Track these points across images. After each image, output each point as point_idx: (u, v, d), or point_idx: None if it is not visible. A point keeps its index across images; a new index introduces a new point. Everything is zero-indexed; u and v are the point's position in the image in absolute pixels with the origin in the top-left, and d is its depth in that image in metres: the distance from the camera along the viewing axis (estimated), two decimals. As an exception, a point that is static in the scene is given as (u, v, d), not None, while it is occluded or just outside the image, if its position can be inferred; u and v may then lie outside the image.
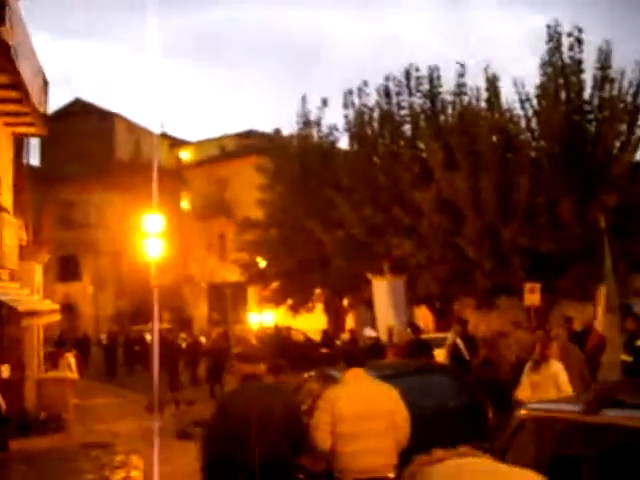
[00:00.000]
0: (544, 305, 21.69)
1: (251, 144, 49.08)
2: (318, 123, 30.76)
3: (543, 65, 21.79)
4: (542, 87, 21.36)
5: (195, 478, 6.15)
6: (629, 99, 21.15)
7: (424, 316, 29.30)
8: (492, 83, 21.73)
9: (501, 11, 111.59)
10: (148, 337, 30.83)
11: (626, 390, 4.35)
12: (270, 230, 31.39)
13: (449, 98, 24.09)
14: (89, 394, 20.27)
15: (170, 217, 27.44)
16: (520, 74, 22.12)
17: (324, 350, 25.46)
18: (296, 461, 5.77)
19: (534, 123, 21.81)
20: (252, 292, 34.77)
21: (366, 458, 5.65)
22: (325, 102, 30.43)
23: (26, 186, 17.89)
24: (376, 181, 24.19)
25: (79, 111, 58.64)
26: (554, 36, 21.45)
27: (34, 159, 50.09)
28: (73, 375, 16.32)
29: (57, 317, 17.73)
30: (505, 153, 21.43)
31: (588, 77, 21.39)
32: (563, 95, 21.24)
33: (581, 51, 21.17)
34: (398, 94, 24.83)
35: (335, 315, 31.87)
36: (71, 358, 16.97)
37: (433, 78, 24.70)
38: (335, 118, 31.68)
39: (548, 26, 21.44)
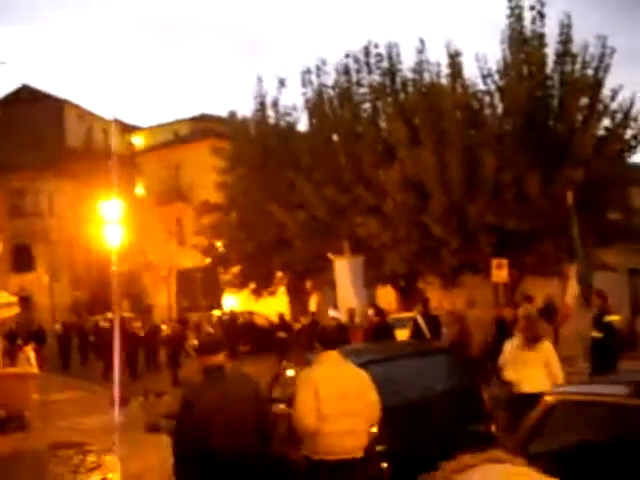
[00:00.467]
0: (511, 282, 21.64)
1: (206, 127, 48.36)
2: (275, 104, 30.16)
3: (504, 40, 21.58)
4: (504, 62, 21.11)
5: (170, 473, 5.81)
6: (590, 72, 21.04)
7: (387, 296, 29.16)
8: (454, 58, 21.37)
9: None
10: (102, 324, 30.57)
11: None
12: (230, 213, 30.84)
13: (409, 75, 23.78)
14: (49, 388, 19.47)
15: (125, 204, 26.66)
16: (481, 50, 21.99)
17: (281, 334, 25.29)
18: (278, 451, 5.72)
19: (497, 99, 21.62)
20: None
21: (345, 438, 5.72)
22: (282, 82, 29.85)
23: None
24: (337, 161, 23.79)
25: (27, 98, 57.12)
26: (515, 10, 21.23)
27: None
28: (33, 370, 15.57)
29: (16, 310, 17.03)
30: (469, 129, 21.19)
31: (550, 52, 21.26)
32: (525, 70, 21.03)
33: (543, 25, 20.99)
34: (358, 71, 24.40)
35: (298, 298, 31.51)
36: (30, 352, 16.20)
37: (392, 55, 24.33)
38: (292, 99, 31.03)
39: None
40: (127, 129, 61.58)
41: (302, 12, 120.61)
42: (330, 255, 22.18)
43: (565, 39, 21.13)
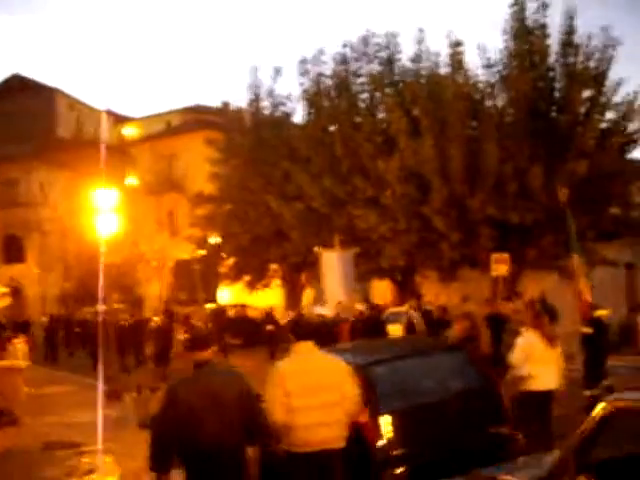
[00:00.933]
0: (511, 276, 21.30)
1: (199, 118, 47.90)
2: (271, 94, 29.66)
3: (506, 30, 21.16)
4: (507, 52, 20.71)
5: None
6: (593, 64, 20.66)
7: (382, 289, 28.82)
8: (455, 48, 20.94)
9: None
10: (87, 316, 30.50)
11: None
12: (224, 205, 30.35)
13: (409, 65, 23.38)
14: (38, 382, 18.99)
15: (117, 194, 26.18)
16: (482, 41, 21.60)
17: (269, 327, 25.04)
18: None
19: (498, 89, 21.23)
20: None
21: (319, 430, 5.65)
22: (278, 71, 29.36)
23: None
24: (334, 151, 23.38)
25: (18, 87, 56.51)
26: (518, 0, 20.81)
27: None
28: (22, 363, 15.04)
29: (7, 301, 16.57)
30: (471, 120, 20.80)
31: (553, 42, 20.86)
32: (528, 60, 20.63)
33: (545, 15, 20.58)
34: (356, 60, 23.96)
35: (293, 290, 31.12)
36: (19, 344, 15.66)
37: (391, 45, 23.91)
38: (288, 90, 30.52)
39: (513, -13, 20.74)
40: (119, 119, 61.07)
41: (299, 2, 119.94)
42: (316, 249, 21.89)
43: (569, 30, 20.72)
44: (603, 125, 20.68)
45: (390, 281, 26.65)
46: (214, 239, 30.62)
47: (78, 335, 30.89)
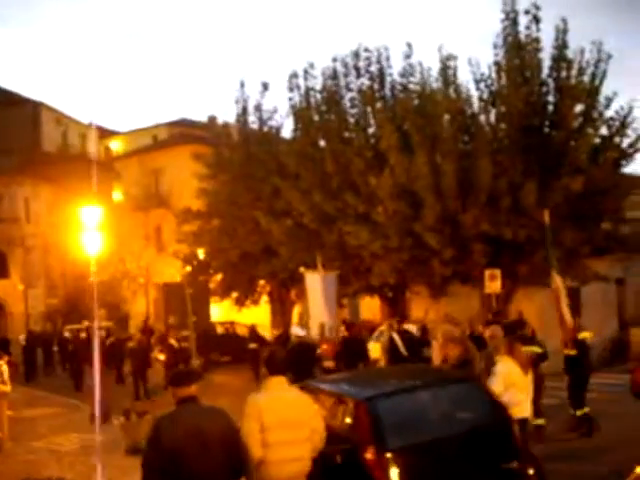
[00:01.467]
0: (504, 293, 21.07)
1: (185, 132, 47.56)
2: (258, 108, 29.37)
3: (497, 45, 20.98)
4: (499, 67, 20.51)
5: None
6: (586, 79, 20.50)
7: (372, 306, 28.51)
8: (446, 62, 20.70)
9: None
10: (67, 334, 30.36)
11: None
12: (212, 220, 29.96)
13: (399, 79, 23.15)
14: (20, 404, 18.49)
15: (103, 210, 25.77)
16: (472, 55, 21.38)
17: (252, 346, 24.81)
18: None
19: (490, 104, 21.00)
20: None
21: (289, 466, 5.69)
22: (266, 86, 29.09)
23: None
24: (324, 167, 23.07)
25: (2, 100, 56.00)
26: (510, 14, 20.64)
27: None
28: (6, 387, 14.44)
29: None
30: (463, 135, 20.57)
31: (545, 56, 20.71)
32: (521, 75, 20.43)
33: (538, 29, 20.41)
34: (345, 75, 23.68)
35: (282, 307, 30.75)
36: (4, 365, 15.07)
37: (381, 59, 23.67)
38: (275, 105, 30.17)
39: (504, 3, 20.58)
40: (105, 134, 60.62)
41: (285, 17, 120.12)
42: (301, 269, 21.82)
43: (561, 44, 20.57)
44: (596, 140, 20.48)
45: (380, 298, 26.35)
46: (202, 255, 30.17)
47: (57, 354, 30.59)
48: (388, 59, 23.57)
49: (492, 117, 20.88)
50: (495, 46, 21.00)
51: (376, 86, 23.46)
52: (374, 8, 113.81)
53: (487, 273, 19.94)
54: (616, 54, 20.59)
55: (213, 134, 32.58)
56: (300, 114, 24.95)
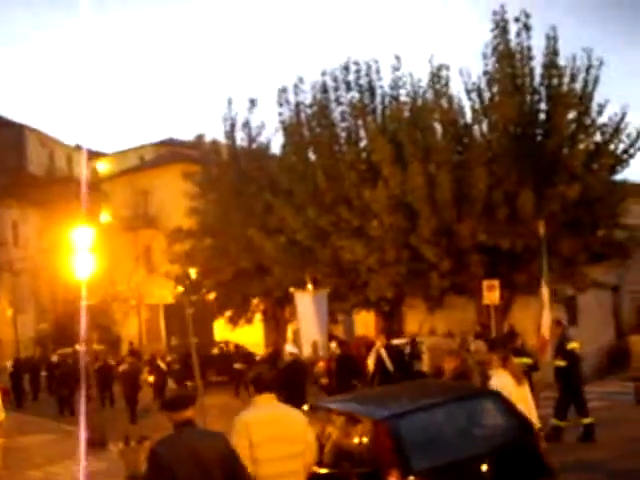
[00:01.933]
0: (502, 303, 20.80)
1: (173, 152, 47.30)
2: (247, 125, 29.15)
3: (487, 54, 20.86)
4: (491, 76, 20.37)
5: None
6: (578, 86, 20.39)
7: (365, 322, 28.22)
8: (438, 73, 20.54)
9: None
10: (54, 359, 30.30)
11: None
12: (203, 239, 29.62)
13: (390, 92, 23.00)
14: (12, 431, 17.98)
15: (93, 232, 25.48)
16: (460, 66, 21.26)
17: (237, 365, 24.67)
18: None
19: (482, 114, 20.84)
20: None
21: None
22: (253, 102, 28.90)
23: None
24: (316, 182, 22.84)
25: (-13, 123, 55.59)
26: (500, 23, 20.52)
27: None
28: (1, 414, 13.98)
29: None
30: (457, 146, 20.39)
31: (536, 64, 20.59)
32: (512, 84, 20.29)
33: (529, 37, 20.30)
34: (336, 89, 23.50)
35: (276, 326, 30.40)
36: None
37: (371, 72, 23.52)
38: (263, 121, 29.98)
39: (494, 12, 20.46)
40: (91, 155, 60.20)
41: (271, 33, 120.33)
42: (291, 289, 21.77)
43: (551, 52, 20.45)
44: (590, 147, 20.34)
45: (375, 312, 26.06)
46: (194, 274, 29.81)
47: (45, 379, 30.29)
48: (378, 72, 23.46)
49: (485, 127, 20.71)
50: (485, 56, 20.89)
51: (366, 99, 23.32)
52: (363, 21, 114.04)
53: (485, 284, 19.67)
54: (611, 60, 20.51)
55: (201, 152, 32.37)
56: (290, 129, 24.73)
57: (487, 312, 20.36)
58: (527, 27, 20.27)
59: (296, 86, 24.28)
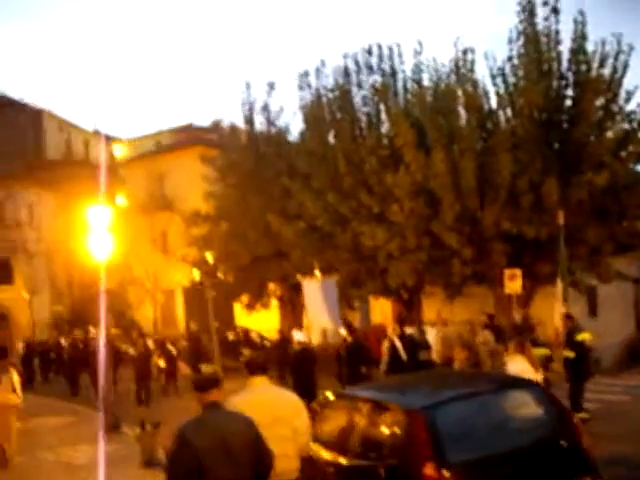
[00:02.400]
0: (524, 293, 20.41)
1: (190, 137, 47.06)
2: (266, 108, 28.81)
3: (513, 39, 20.38)
4: (519, 61, 19.88)
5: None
6: (607, 72, 19.89)
7: (382, 309, 27.91)
8: (464, 57, 20.08)
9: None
10: (63, 342, 30.83)
11: None
12: (221, 224, 29.35)
13: (411, 76, 22.57)
14: (27, 413, 17.85)
15: (111, 213, 25.28)
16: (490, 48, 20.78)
17: (246, 352, 24.04)
18: None
19: (507, 100, 20.39)
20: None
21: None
22: (272, 86, 28.55)
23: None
24: (336, 166, 22.48)
25: (5, 107, 55.56)
26: (527, 6, 20.02)
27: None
28: (15, 398, 13.73)
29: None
30: (481, 132, 19.96)
31: (564, 49, 20.09)
32: (538, 70, 19.80)
33: (557, 21, 19.79)
34: (358, 72, 23.09)
35: (293, 311, 30.10)
36: (15, 375, 14.37)
37: (393, 56, 23.10)
38: (282, 105, 29.65)
39: (522, -7, 19.93)
40: (108, 140, 60.09)
41: (289, 17, 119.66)
42: (299, 277, 21.68)
43: (580, 36, 19.94)
44: (619, 134, 19.84)
45: (394, 300, 25.73)
46: (211, 259, 29.60)
47: (54, 361, 30.71)
48: (400, 56, 23.02)
49: (509, 113, 20.25)
50: (510, 40, 20.43)
51: (389, 83, 22.91)
52: (385, 4, 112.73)
53: (507, 273, 19.29)
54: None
55: (220, 136, 32.09)
56: (311, 113, 24.38)
57: (509, 301, 19.99)
58: (555, 10, 19.77)
59: (318, 70, 23.92)
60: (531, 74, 19.56)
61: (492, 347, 15.64)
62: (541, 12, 19.96)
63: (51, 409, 20.70)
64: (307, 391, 14.18)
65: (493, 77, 20.44)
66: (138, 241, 38.86)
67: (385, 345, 16.65)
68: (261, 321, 30.32)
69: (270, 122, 28.76)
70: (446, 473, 5.55)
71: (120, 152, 59.09)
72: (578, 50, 20.01)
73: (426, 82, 21.98)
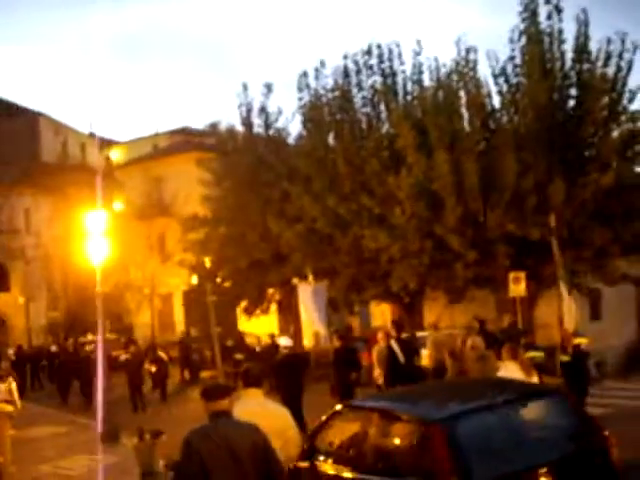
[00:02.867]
0: (528, 296, 20.08)
1: (187, 140, 46.77)
2: (263, 110, 28.42)
3: (514, 38, 20.11)
4: (522, 60, 19.59)
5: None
6: (611, 71, 19.59)
7: (382, 313, 27.58)
8: (466, 56, 19.78)
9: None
10: (53, 348, 30.87)
11: None
12: (219, 227, 28.97)
13: (413, 76, 22.23)
14: (22, 422, 17.43)
15: (108, 217, 24.92)
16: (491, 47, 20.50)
17: (238, 356, 24.46)
18: None
19: (510, 99, 20.09)
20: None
21: None
22: (270, 87, 28.16)
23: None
24: (336, 168, 22.14)
25: (0, 111, 55.23)
26: (530, 5, 19.73)
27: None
28: (9, 407, 13.33)
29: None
30: (484, 132, 19.65)
31: (568, 49, 19.80)
32: (541, 69, 19.50)
33: (560, 20, 19.50)
34: (358, 73, 22.73)
35: (292, 316, 29.73)
36: (12, 383, 13.97)
37: (392, 56, 22.76)
38: (280, 107, 29.22)
39: (524, -7, 19.64)
40: (105, 143, 59.74)
41: (284, 19, 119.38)
42: (294, 281, 21.46)
43: (582, 35, 19.66)
44: (624, 134, 19.54)
45: (395, 304, 25.40)
46: (209, 263, 29.22)
47: (45, 368, 30.55)
48: (400, 56, 22.67)
49: (513, 112, 19.95)
50: (511, 40, 20.17)
51: (389, 83, 22.57)
52: (385, 4, 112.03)
53: (511, 275, 18.99)
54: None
55: (217, 139, 31.73)
56: (310, 114, 24.01)
57: (513, 305, 19.67)
58: (558, 9, 19.49)
59: (317, 70, 23.52)
60: (534, 73, 19.26)
61: (481, 353, 15.27)
62: (543, 11, 19.72)
63: (45, 417, 20.31)
64: (294, 398, 14.03)
65: (495, 77, 20.19)
66: (135, 245, 38.47)
67: (377, 350, 16.26)
68: (262, 326, 29.97)
69: (268, 124, 28.40)
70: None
71: (117, 155, 58.78)
72: (581, 49, 19.72)
73: (427, 82, 21.68)
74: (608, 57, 19.43)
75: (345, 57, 22.86)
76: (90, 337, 31.88)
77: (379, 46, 22.45)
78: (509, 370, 8.55)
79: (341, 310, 26.82)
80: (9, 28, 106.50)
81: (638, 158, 19.60)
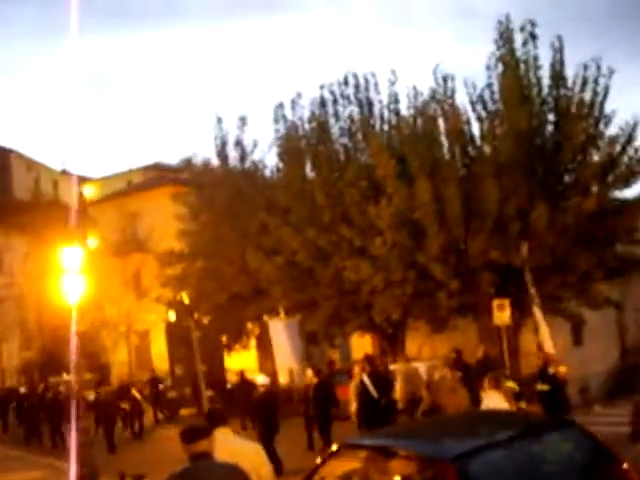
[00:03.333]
0: (512, 325, 19.86)
1: (161, 176, 46.44)
2: (239, 143, 28.25)
3: (491, 66, 20.16)
4: (499, 87, 19.62)
5: None
6: (587, 96, 19.66)
7: (363, 346, 27.22)
8: (444, 83, 19.79)
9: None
10: (21, 390, 30.72)
11: None
12: (196, 262, 28.56)
13: (390, 105, 22.19)
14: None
15: (83, 254, 24.43)
16: (467, 75, 20.57)
17: (209, 393, 24.03)
18: None
19: (489, 126, 20.07)
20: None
21: None
22: (244, 120, 28.02)
23: None
24: (315, 199, 21.92)
25: (-30, 149, 54.70)
26: (505, 33, 19.80)
27: None
28: None
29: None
30: (464, 159, 19.57)
31: (544, 75, 19.90)
32: (520, 95, 19.53)
33: (536, 46, 19.58)
34: (334, 102, 22.64)
35: (270, 351, 29.28)
36: None
37: (369, 86, 22.74)
38: (256, 140, 29.12)
39: (499, 22, 19.74)
40: (78, 180, 59.14)
41: (255, 54, 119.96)
42: (265, 317, 21.24)
43: (558, 62, 19.76)
44: (604, 158, 19.57)
45: (373, 335, 25.11)
46: (186, 299, 28.72)
47: (14, 410, 29.77)
48: (377, 85, 22.65)
49: (492, 139, 19.92)
50: (488, 67, 20.23)
51: (365, 114, 22.52)
52: (360, 36, 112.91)
53: (495, 303, 18.76)
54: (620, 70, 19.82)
55: (192, 173, 31.46)
56: (287, 145, 23.84)
57: (498, 333, 19.43)
58: (533, 36, 19.57)
59: (293, 101, 23.41)
60: (512, 100, 19.27)
61: (451, 385, 15.00)
62: (519, 38, 19.79)
63: (25, 463, 19.74)
64: (270, 436, 14.24)
65: (473, 104, 20.18)
66: (110, 282, 37.79)
67: (353, 384, 16.05)
68: (243, 361, 29.48)
69: (244, 157, 28.19)
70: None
71: (90, 192, 58.19)
72: (558, 75, 19.80)
73: (404, 111, 21.63)
74: (584, 82, 19.53)
75: (322, 87, 22.85)
76: (65, 377, 31.17)
77: (355, 76, 22.44)
78: (492, 400, 8.52)
79: (321, 343, 26.51)
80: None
81: (618, 183, 19.52)
